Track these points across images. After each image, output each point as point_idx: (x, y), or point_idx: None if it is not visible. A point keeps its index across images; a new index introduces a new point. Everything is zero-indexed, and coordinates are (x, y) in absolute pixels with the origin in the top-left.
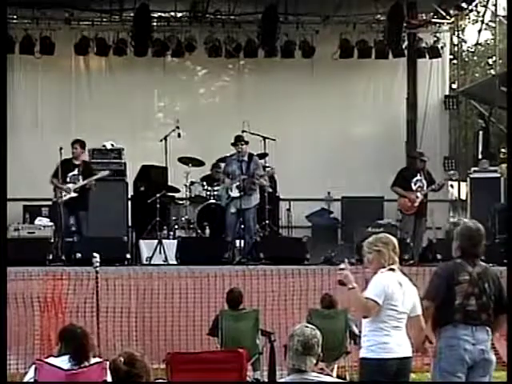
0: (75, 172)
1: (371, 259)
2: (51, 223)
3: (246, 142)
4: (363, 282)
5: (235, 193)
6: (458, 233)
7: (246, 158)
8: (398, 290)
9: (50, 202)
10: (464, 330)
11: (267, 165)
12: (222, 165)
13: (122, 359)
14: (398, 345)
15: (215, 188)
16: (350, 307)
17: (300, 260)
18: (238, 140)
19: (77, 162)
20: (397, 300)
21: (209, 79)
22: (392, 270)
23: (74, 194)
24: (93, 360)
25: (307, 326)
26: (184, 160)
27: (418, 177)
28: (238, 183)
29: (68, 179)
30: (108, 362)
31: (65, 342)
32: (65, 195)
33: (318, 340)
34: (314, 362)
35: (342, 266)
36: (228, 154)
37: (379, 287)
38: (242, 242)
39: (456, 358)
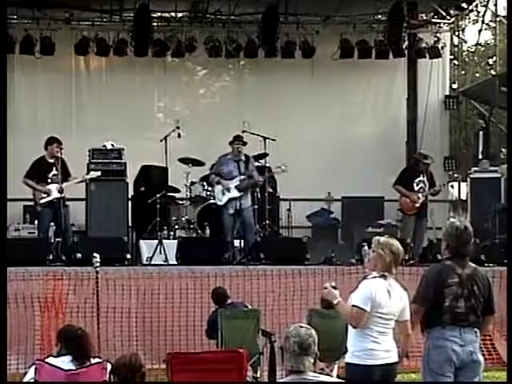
0: (54, 171)
1: (370, 258)
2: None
3: (244, 143)
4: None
5: (234, 193)
6: (446, 233)
7: (243, 158)
8: (385, 296)
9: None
10: (452, 331)
11: (267, 164)
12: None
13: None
14: (385, 351)
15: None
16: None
17: (300, 260)
18: (237, 139)
19: (51, 161)
20: (383, 307)
21: (209, 79)
22: (384, 276)
23: (58, 195)
24: (93, 360)
25: (301, 326)
26: (184, 160)
27: (421, 177)
28: (237, 183)
29: (49, 180)
30: (108, 364)
31: (65, 343)
32: (46, 197)
33: (314, 339)
34: (312, 361)
35: (326, 284)
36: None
37: (365, 294)
38: (242, 242)
39: (444, 359)
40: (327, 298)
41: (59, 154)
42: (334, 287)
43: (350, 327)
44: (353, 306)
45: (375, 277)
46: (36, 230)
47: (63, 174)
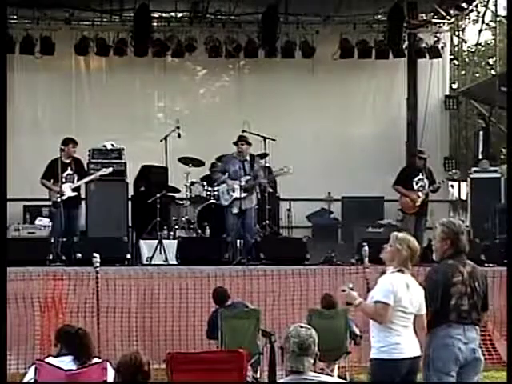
0: (69, 171)
1: (387, 251)
2: (51, 223)
3: (248, 143)
4: (363, 281)
5: (238, 193)
6: (448, 232)
7: (248, 158)
8: (405, 290)
9: (49, 202)
10: (457, 330)
11: (267, 164)
12: (221, 163)
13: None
14: (409, 344)
15: (215, 188)
16: (370, 319)
17: (300, 260)
18: (240, 140)
19: (67, 161)
20: (405, 300)
21: (209, 79)
22: (401, 271)
23: (72, 194)
24: (93, 360)
25: (302, 327)
26: (184, 160)
27: (420, 176)
28: (242, 184)
29: (64, 180)
30: (108, 364)
31: (66, 343)
32: (60, 196)
33: (314, 339)
34: (312, 361)
35: (343, 287)
36: (226, 153)
37: (386, 288)
38: (242, 242)
39: (450, 358)
40: (347, 300)
41: (71, 155)
42: (352, 289)
43: (372, 324)
44: (375, 302)
45: (393, 271)
46: (36, 229)
47: (80, 173)
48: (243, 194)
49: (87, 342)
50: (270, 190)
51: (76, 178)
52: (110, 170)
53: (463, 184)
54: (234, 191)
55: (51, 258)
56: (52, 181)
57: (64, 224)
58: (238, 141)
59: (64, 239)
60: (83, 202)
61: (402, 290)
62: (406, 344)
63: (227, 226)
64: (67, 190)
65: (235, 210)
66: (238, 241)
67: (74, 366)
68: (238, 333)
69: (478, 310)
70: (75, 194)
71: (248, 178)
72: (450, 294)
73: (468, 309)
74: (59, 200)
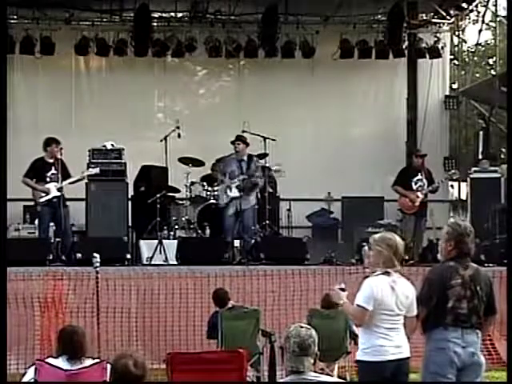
0: (53, 171)
1: (370, 256)
2: (52, 223)
3: (245, 142)
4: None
5: (235, 193)
6: (452, 233)
7: (245, 158)
8: (389, 292)
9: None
10: (454, 333)
11: (267, 164)
12: (221, 165)
13: (131, 362)
14: (396, 346)
15: (215, 188)
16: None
17: (300, 260)
18: (237, 139)
19: (51, 161)
20: (389, 303)
21: (209, 79)
22: (387, 273)
23: (57, 194)
24: (90, 360)
25: (302, 327)
26: (184, 160)
27: (419, 176)
28: (238, 183)
29: (48, 179)
30: (108, 364)
31: (62, 343)
32: (44, 195)
33: (314, 339)
34: (312, 361)
35: (336, 286)
36: (226, 154)
37: (367, 292)
38: (242, 242)
39: (445, 361)
40: (334, 299)
41: (59, 155)
42: (343, 289)
43: (359, 327)
44: (356, 305)
45: (378, 274)
46: (37, 229)
47: (63, 174)
48: (239, 194)
49: (79, 340)
50: (270, 190)
51: (60, 179)
52: (97, 170)
53: (463, 184)
54: (230, 190)
55: (51, 258)
56: (34, 180)
57: (49, 223)
58: (234, 140)
59: (57, 239)
60: (82, 203)
61: (384, 292)
62: (390, 346)
63: (224, 226)
64: (52, 190)
65: (231, 211)
66: (238, 241)
67: (69, 366)
68: (238, 333)
69: (479, 314)
70: (59, 194)
71: (244, 177)
72: (447, 296)
73: (467, 312)
74: (42, 200)
